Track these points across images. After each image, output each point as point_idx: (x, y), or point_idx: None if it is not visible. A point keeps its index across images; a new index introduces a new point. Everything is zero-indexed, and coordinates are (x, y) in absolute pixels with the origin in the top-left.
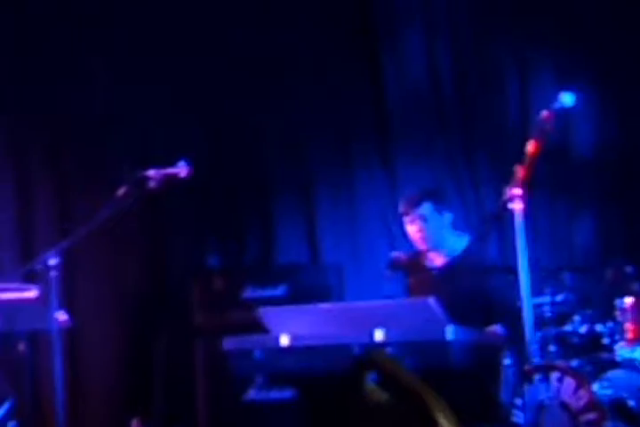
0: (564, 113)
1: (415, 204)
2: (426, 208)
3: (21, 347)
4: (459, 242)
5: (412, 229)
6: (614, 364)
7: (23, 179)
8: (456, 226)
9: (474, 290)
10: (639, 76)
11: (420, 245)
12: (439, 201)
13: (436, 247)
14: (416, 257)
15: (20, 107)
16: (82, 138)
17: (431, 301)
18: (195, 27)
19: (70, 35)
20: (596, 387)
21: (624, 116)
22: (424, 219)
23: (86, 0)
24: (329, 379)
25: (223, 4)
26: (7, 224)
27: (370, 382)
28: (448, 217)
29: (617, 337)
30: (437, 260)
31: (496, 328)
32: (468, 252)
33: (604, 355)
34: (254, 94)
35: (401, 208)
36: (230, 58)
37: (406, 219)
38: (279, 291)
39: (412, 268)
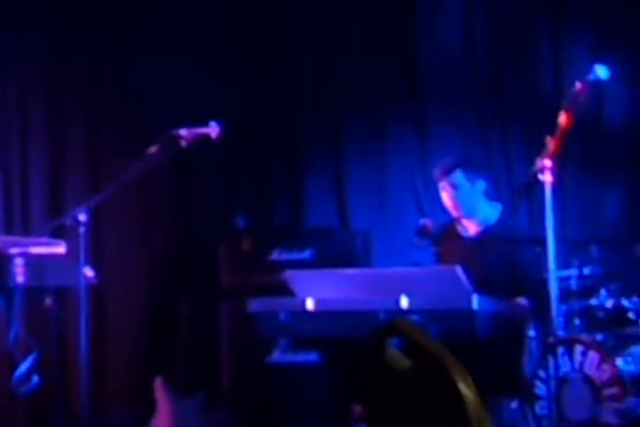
0: (597, 85)
1: (447, 171)
2: (457, 176)
3: (48, 302)
4: (492, 211)
5: (444, 196)
6: (639, 339)
7: (56, 135)
8: (489, 195)
9: (504, 260)
10: None
11: (453, 212)
12: (471, 170)
13: (468, 215)
14: (450, 225)
15: (58, 60)
16: (116, 95)
17: (458, 269)
18: None
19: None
20: (619, 362)
21: None
22: (455, 186)
23: None
24: (353, 344)
25: None
26: (38, 179)
27: (392, 347)
28: (480, 185)
29: None
30: (471, 228)
31: (522, 300)
32: (501, 222)
33: (630, 330)
34: (286, 56)
35: (434, 175)
36: (263, 19)
37: (439, 186)
38: (306, 254)
39: (445, 236)
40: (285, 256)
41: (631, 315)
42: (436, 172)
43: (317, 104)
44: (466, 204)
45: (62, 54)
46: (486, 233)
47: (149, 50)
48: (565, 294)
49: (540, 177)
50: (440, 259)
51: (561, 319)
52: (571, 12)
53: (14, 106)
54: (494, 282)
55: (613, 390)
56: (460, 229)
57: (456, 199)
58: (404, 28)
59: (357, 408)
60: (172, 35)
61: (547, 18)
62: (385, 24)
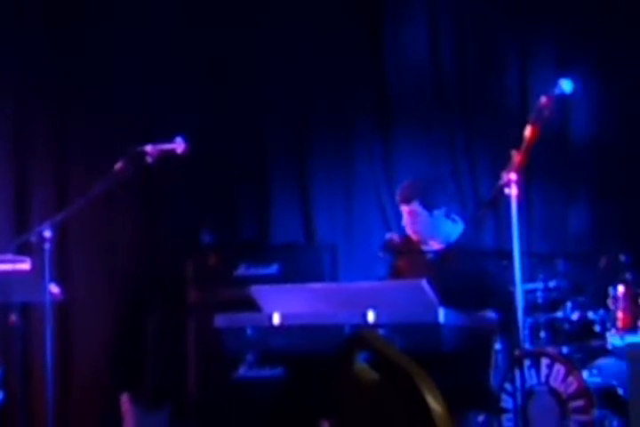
0: (562, 99)
1: (405, 200)
2: (415, 205)
3: (13, 318)
4: (453, 229)
5: (405, 220)
6: (605, 351)
7: (21, 150)
8: (452, 210)
9: (467, 274)
10: (633, 69)
11: (413, 236)
12: (428, 200)
13: (428, 238)
14: (411, 239)
15: (26, 77)
16: (83, 111)
17: (424, 283)
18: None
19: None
20: (585, 374)
21: (623, 104)
22: (414, 214)
23: None
24: (320, 358)
25: None
26: (2, 195)
27: (360, 361)
28: (439, 212)
29: (608, 325)
30: (433, 245)
31: (488, 313)
32: (463, 237)
33: (595, 342)
34: (253, 73)
35: (396, 197)
36: (232, 35)
37: (400, 207)
38: (272, 269)
39: (406, 249)
40: (251, 271)
41: (597, 327)
42: (397, 196)
43: (284, 120)
44: (425, 229)
45: (28, 69)
46: (447, 249)
47: (115, 66)
48: (531, 307)
49: (506, 191)
50: (401, 273)
51: (527, 332)
52: (536, 28)
53: None
54: (458, 295)
55: (579, 403)
56: (420, 243)
57: (415, 225)
58: (372, 47)
59: (325, 424)
60: (138, 52)
61: (513, 34)
62: (353, 42)
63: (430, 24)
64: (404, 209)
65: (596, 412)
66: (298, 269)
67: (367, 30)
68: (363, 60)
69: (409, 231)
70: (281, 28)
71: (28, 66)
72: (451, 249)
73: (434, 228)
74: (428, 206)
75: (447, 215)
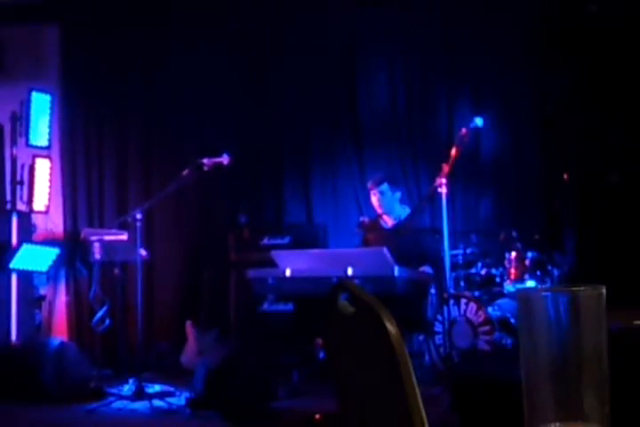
0: (475, 130)
1: (377, 183)
2: (384, 186)
3: (116, 271)
4: (403, 212)
5: (374, 199)
6: (502, 295)
7: (123, 160)
8: (402, 201)
9: (413, 243)
10: (523, 111)
11: (378, 210)
12: (393, 183)
13: (387, 213)
14: (375, 220)
15: (123, 113)
16: (163, 134)
17: (384, 250)
18: (223, 63)
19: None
20: (489, 309)
21: (513, 135)
22: (382, 193)
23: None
24: (316, 298)
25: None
26: (110, 189)
27: (342, 300)
28: (398, 194)
29: (505, 278)
30: (389, 222)
31: (426, 269)
32: (408, 218)
33: (496, 289)
34: (274, 111)
35: (368, 185)
36: (259, 92)
37: (371, 192)
38: (285, 240)
39: (372, 227)
40: (272, 241)
41: (497, 279)
42: (370, 182)
43: (293, 143)
44: (387, 206)
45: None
46: (397, 226)
47: (180, 103)
48: (454, 266)
49: (439, 189)
50: (369, 243)
51: (451, 282)
52: (459, 83)
53: (94, 143)
54: (406, 257)
55: (485, 328)
56: (381, 222)
57: (381, 202)
58: (349, 97)
59: (319, 340)
60: (202, 94)
61: (443, 85)
62: (338, 95)
63: (389, 81)
64: (375, 191)
65: (496, 334)
66: (302, 240)
67: (346, 88)
68: (344, 106)
69: (376, 207)
70: (294, 85)
71: (123, 108)
72: (401, 227)
73: (393, 205)
74: (392, 188)
75: (401, 200)
